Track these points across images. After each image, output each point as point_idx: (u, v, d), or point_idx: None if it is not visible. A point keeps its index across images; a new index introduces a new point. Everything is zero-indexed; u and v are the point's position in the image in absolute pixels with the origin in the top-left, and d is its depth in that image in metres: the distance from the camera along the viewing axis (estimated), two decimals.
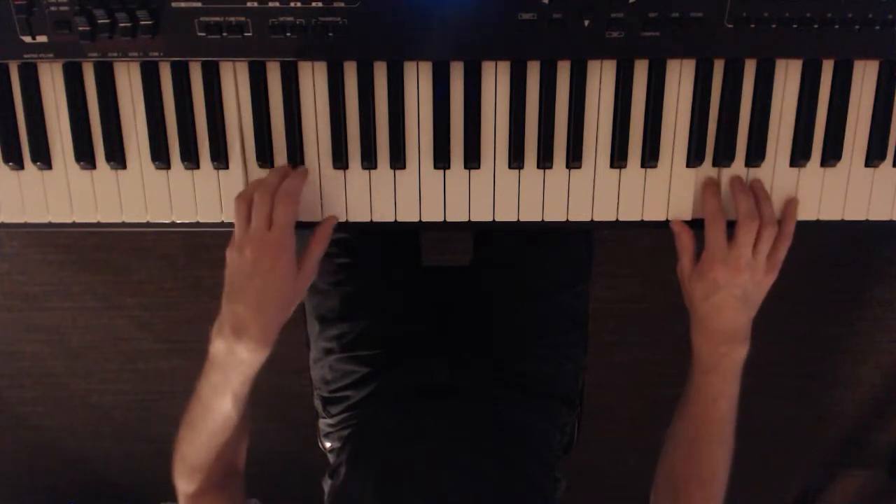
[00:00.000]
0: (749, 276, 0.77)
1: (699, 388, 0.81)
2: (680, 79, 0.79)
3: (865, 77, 0.80)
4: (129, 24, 0.75)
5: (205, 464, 0.80)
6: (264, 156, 0.81)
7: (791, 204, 0.82)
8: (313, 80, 0.79)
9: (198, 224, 0.83)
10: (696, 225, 0.83)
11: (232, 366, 0.75)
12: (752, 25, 0.76)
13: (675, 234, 0.82)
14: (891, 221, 0.84)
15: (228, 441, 0.80)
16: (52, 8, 0.75)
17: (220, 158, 0.81)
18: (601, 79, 0.79)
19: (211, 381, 0.76)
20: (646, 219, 0.83)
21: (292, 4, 0.75)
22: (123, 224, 0.83)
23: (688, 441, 0.83)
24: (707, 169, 0.82)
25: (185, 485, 0.82)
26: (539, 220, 0.83)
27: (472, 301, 1.09)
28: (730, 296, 0.77)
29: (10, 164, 0.81)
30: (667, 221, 0.83)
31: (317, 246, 0.79)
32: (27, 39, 0.76)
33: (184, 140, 0.80)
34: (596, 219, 0.83)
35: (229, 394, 0.76)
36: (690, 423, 0.82)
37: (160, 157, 0.80)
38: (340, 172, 0.82)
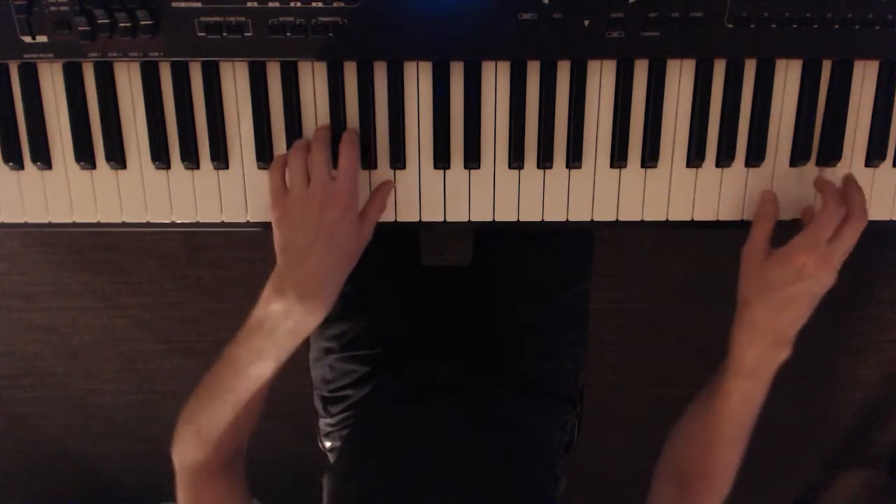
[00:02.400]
0: (829, 275, 0.73)
1: (730, 388, 0.77)
2: (680, 79, 0.79)
3: (865, 77, 0.80)
4: (129, 24, 0.75)
5: (220, 437, 0.76)
6: (264, 156, 0.81)
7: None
8: (313, 81, 0.79)
9: (198, 224, 0.83)
10: (696, 226, 0.83)
11: (287, 329, 0.72)
12: (752, 25, 0.76)
13: (760, 203, 0.78)
14: (891, 221, 0.84)
15: (250, 414, 0.77)
16: (52, 8, 0.75)
17: (220, 158, 0.81)
18: (601, 79, 0.79)
19: (254, 346, 0.73)
20: (646, 219, 0.83)
21: (292, 4, 0.75)
22: (123, 224, 0.83)
23: (704, 438, 0.80)
24: (708, 169, 0.82)
25: (192, 457, 0.77)
26: (539, 220, 0.83)
27: (472, 301, 1.09)
28: (806, 292, 0.73)
29: (10, 164, 0.81)
30: (667, 221, 0.83)
31: (378, 203, 0.78)
32: (27, 39, 0.76)
33: (184, 140, 0.80)
34: (596, 219, 0.83)
35: (273, 359, 0.73)
36: (711, 422, 0.79)
37: (160, 157, 0.80)
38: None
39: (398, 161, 0.81)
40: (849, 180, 0.79)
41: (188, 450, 0.78)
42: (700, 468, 0.81)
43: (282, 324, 0.72)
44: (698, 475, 0.81)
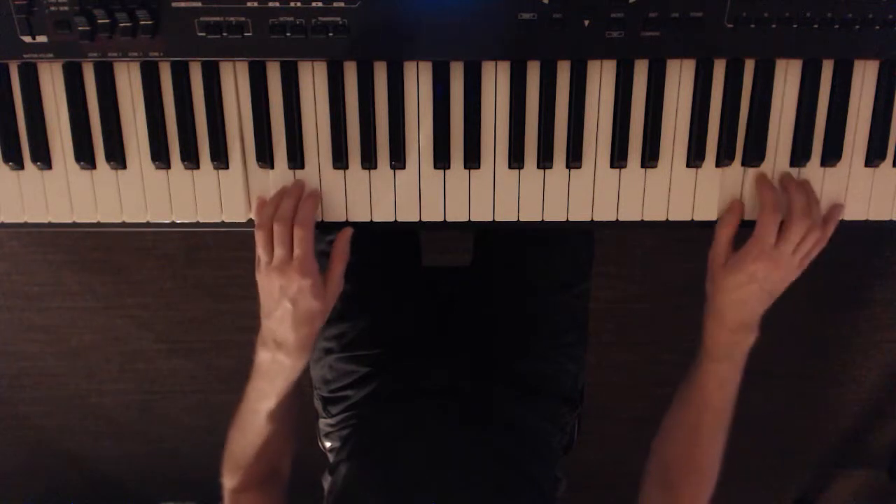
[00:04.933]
0: (783, 273, 0.78)
1: (707, 374, 0.82)
2: (680, 79, 0.79)
3: (865, 77, 0.80)
4: (129, 24, 0.75)
5: (248, 461, 0.87)
6: (264, 156, 0.81)
7: (835, 209, 0.82)
8: (313, 80, 0.79)
9: (198, 224, 0.83)
10: (697, 226, 0.83)
11: (275, 372, 0.82)
12: (752, 25, 0.76)
13: (727, 210, 0.82)
14: (891, 221, 0.84)
15: (271, 442, 0.86)
16: (52, 8, 0.75)
17: (220, 158, 0.81)
18: (601, 79, 0.79)
19: (257, 387, 0.83)
20: (646, 219, 0.83)
21: (292, 4, 0.75)
22: (123, 224, 0.83)
23: (687, 428, 0.84)
24: (708, 169, 0.82)
25: (229, 480, 0.89)
26: (539, 220, 0.83)
27: (472, 301, 1.09)
28: (760, 290, 0.78)
29: (10, 164, 0.81)
30: (667, 221, 0.83)
31: (338, 263, 0.82)
32: (27, 39, 0.76)
33: (184, 140, 0.80)
34: (596, 219, 0.83)
35: (274, 397, 0.82)
36: (692, 410, 0.83)
37: (160, 157, 0.80)
38: (340, 172, 0.82)
39: (398, 161, 0.81)
40: (782, 180, 0.81)
41: (225, 471, 0.89)
42: (685, 460, 0.84)
43: (272, 369, 0.82)
44: (684, 471, 0.84)
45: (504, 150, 0.81)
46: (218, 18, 0.76)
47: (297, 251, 0.78)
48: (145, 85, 0.79)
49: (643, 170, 0.81)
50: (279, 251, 0.78)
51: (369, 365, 1.02)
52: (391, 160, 0.81)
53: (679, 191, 0.82)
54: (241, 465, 0.87)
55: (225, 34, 0.76)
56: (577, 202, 0.82)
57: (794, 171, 0.82)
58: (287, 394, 0.83)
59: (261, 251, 0.79)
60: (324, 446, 1.09)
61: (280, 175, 0.82)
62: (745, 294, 0.78)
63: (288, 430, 0.89)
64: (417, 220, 0.83)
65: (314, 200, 0.81)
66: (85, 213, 0.83)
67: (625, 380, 1.86)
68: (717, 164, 0.81)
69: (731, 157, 0.81)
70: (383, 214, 0.83)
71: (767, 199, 0.79)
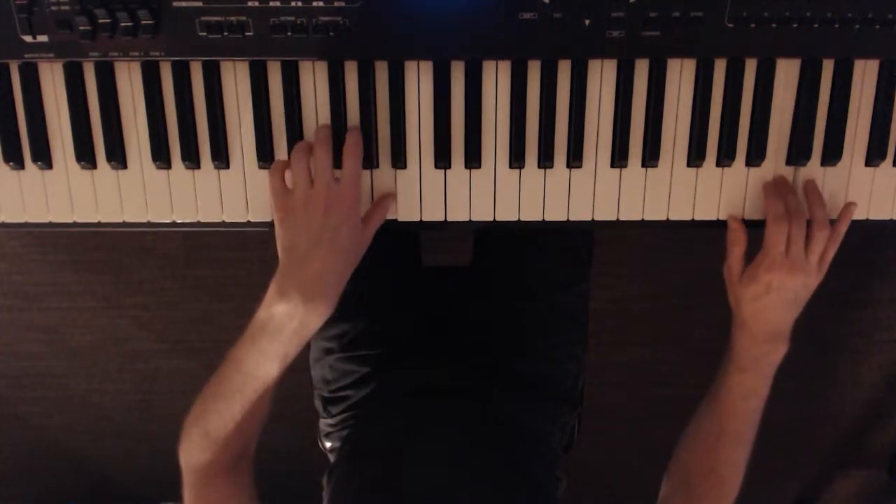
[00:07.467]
0: (802, 279, 0.77)
1: (732, 384, 0.81)
2: (680, 78, 0.79)
3: (865, 77, 0.80)
4: (130, 24, 0.75)
5: (228, 437, 0.77)
6: (265, 155, 0.81)
7: (848, 207, 0.82)
8: (314, 80, 0.79)
9: (198, 224, 0.83)
10: (697, 226, 0.83)
11: (292, 330, 0.73)
12: (753, 25, 0.76)
13: (729, 230, 0.82)
14: (891, 221, 0.84)
15: (257, 414, 0.78)
16: (53, 7, 0.75)
17: (221, 158, 0.81)
18: (602, 78, 0.79)
19: (260, 348, 0.73)
20: (646, 218, 0.83)
21: (293, 4, 0.75)
22: (124, 224, 0.83)
23: (710, 437, 0.83)
24: (708, 169, 0.82)
25: (199, 457, 0.78)
26: (540, 219, 0.83)
27: (472, 301, 1.09)
28: (780, 298, 0.78)
29: (11, 163, 0.81)
30: (667, 221, 0.83)
31: (381, 211, 0.80)
32: (28, 39, 0.76)
33: (184, 140, 0.80)
34: (597, 218, 0.83)
35: (280, 359, 0.74)
36: (716, 419, 0.82)
37: (161, 156, 0.80)
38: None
39: (399, 161, 0.81)
40: (777, 183, 0.81)
41: (195, 450, 0.78)
42: (706, 467, 0.82)
43: (286, 325, 0.72)
44: (705, 474, 0.82)
45: (505, 150, 0.81)
46: (219, 18, 0.76)
47: (345, 175, 0.75)
48: (146, 85, 0.79)
49: (644, 169, 0.82)
50: (323, 176, 0.74)
51: (369, 365, 1.02)
52: (392, 160, 0.81)
53: (680, 190, 0.82)
54: (218, 440, 0.76)
55: (226, 34, 0.76)
56: (578, 202, 0.82)
57: (794, 171, 0.82)
58: (292, 357, 0.75)
59: (297, 177, 0.75)
60: (324, 446, 1.09)
61: None
62: (765, 303, 0.78)
63: (271, 400, 0.79)
64: (418, 219, 0.83)
65: (358, 131, 0.79)
66: (85, 213, 0.83)
67: (625, 380, 1.86)
68: (718, 164, 0.82)
69: (732, 157, 0.81)
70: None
71: (772, 209, 0.79)
